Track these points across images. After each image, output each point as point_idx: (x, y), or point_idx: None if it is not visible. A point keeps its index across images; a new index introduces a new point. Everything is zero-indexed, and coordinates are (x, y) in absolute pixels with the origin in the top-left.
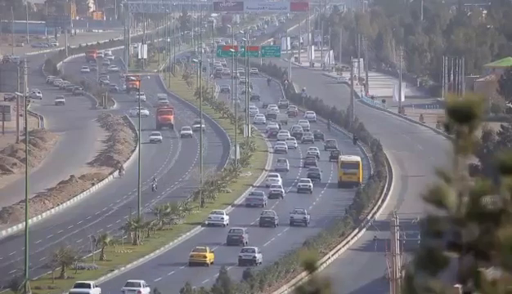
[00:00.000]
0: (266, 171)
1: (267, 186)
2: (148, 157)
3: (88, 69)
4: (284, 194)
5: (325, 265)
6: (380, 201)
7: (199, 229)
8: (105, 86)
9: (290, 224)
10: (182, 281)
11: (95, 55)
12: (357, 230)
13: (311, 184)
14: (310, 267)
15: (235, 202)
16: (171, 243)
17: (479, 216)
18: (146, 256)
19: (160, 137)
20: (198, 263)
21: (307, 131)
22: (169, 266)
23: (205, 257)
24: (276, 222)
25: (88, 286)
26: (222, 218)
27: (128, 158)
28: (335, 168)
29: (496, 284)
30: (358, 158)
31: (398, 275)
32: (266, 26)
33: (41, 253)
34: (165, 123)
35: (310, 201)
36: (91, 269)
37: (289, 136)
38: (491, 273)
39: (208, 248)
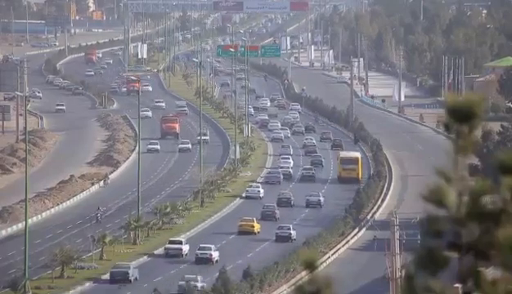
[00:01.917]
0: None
1: (279, 167)
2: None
3: (93, 72)
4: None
5: (325, 264)
6: (380, 201)
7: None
8: (118, 89)
9: (306, 206)
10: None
11: (94, 57)
12: (356, 230)
13: (313, 171)
14: (310, 266)
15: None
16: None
17: (479, 215)
18: (146, 256)
19: (158, 147)
20: (246, 232)
21: (298, 122)
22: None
23: (253, 227)
24: (293, 202)
25: (180, 242)
26: (259, 191)
27: (128, 158)
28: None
29: (496, 284)
30: (358, 154)
31: (398, 275)
32: (269, 24)
33: (40, 253)
34: (170, 132)
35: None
36: (91, 268)
37: (281, 126)
38: (491, 273)
39: (255, 219)
